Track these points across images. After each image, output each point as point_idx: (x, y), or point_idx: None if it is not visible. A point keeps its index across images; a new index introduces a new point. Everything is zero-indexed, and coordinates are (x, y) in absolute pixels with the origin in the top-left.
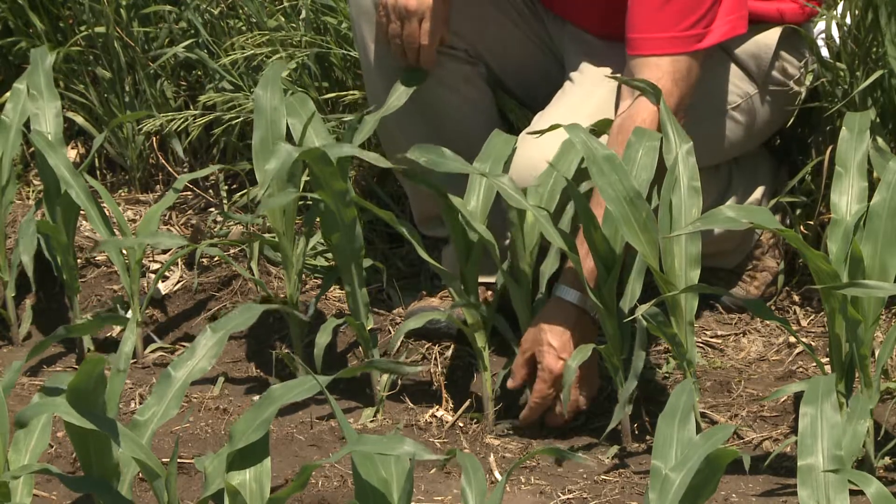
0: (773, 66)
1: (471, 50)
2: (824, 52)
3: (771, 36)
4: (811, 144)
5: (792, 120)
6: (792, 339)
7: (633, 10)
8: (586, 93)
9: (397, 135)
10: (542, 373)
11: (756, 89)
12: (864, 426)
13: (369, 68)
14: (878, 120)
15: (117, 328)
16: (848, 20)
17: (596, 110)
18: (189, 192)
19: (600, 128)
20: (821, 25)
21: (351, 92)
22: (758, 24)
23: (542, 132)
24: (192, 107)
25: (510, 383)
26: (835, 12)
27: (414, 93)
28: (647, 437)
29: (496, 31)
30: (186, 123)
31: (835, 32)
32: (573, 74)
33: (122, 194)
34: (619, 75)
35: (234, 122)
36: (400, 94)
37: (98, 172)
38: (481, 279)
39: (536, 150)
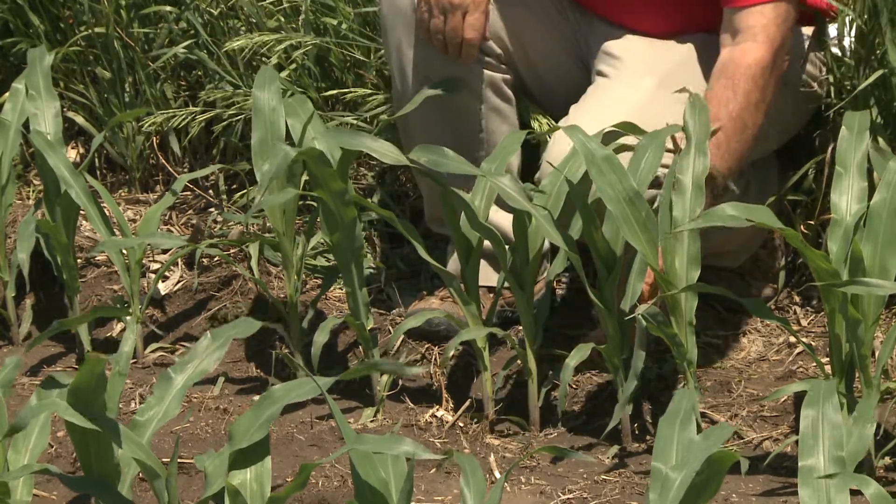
0: (798, 67)
1: (503, 55)
2: (834, 51)
3: (799, 36)
4: (816, 141)
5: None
6: (792, 339)
7: None
8: (622, 92)
9: (419, 135)
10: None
11: (782, 88)
12: (871, 429)
13: (403, 73)
14: (879, 120)
15: (117, 328)
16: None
17: (632, 113)
18: (189, 192)
19: (623, 128)
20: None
21: (352, 89)
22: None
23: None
24: (192, 107)
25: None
26: (848, 11)
27: (441, 96)
28: (647, 437)
29: (530, 36)
30: (187, 121)
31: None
32: (606, 69)
33: (122, 194)
34: (688, 89)
35: (234, 119)
36: (422, 97)
37: (98, 172)
38: (482, 283)
39: (568, 142)
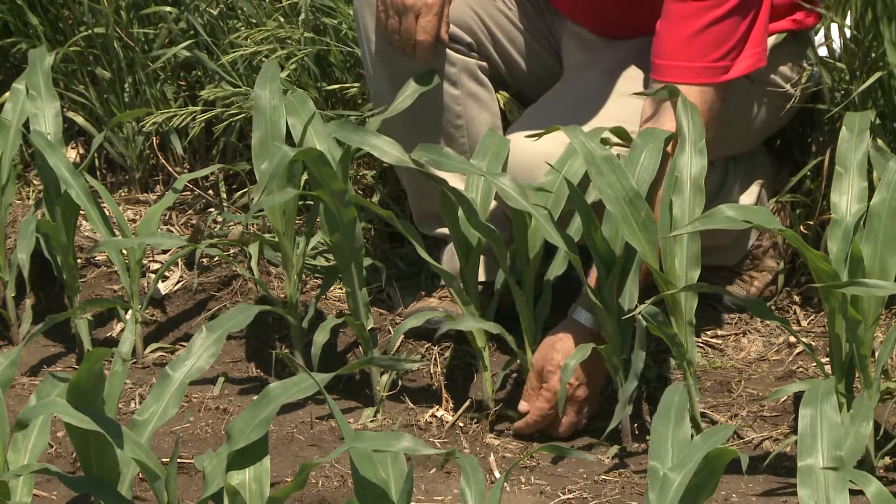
0: (770, 69)
1: (474, 45)
2: (822, 52)
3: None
4: (812, 144)
5: (792, 121)
6: (792, 339)
7: (663, 36)
8: (569, 87)
9: (398, 126)
10: (546, 392)
11: (752, 89)
12: (868, 428)
13: (371, 58)
14: (878, 121)
15: (117, 328)
16: (848, 20)
17: (576, 103)
18: (189, 192)
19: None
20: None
21: (354, 84)
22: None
23: (539, 135)
24: (192, 107)
25: (522, 406)
26: (835, 14)
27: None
28: (648, 437)
29: (504, 30)
30: (187, 122)
31: (834, 33)
32: (565, 68)
33: (122, 194)
34: (644, 90)
35: (235, 118)
36: (408, 96)
37: (98, 172)
38: (481, 279)
39: (531, 147)
